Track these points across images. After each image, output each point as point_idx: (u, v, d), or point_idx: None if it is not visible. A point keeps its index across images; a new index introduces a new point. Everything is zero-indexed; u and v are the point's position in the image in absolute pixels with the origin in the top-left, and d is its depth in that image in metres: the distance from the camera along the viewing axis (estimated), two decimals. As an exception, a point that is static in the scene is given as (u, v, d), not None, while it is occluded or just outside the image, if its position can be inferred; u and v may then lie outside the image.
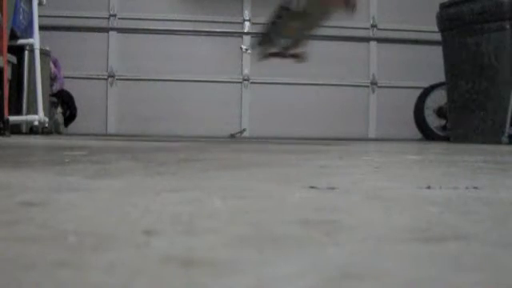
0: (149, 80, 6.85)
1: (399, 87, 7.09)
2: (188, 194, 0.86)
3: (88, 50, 6.73)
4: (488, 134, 4.74)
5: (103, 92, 6.81)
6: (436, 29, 5.34)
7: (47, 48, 5.44)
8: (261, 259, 0.44)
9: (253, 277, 0.39)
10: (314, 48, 6.81)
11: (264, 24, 3.41)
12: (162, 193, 0.85)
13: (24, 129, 5.02)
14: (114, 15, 6.87)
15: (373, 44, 7.22)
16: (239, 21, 7.04)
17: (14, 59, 4.80)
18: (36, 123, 4.83)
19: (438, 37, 5.40)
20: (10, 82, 4.68)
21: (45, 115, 4.88)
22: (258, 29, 3.83)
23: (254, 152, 2.48)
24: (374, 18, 7.22)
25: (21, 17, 4.89)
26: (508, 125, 4.64)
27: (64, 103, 6.04)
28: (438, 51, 5.45)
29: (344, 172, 1.42)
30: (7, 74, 4.50)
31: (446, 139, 5.52)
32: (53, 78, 5.83)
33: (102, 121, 6.78)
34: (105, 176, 1.13)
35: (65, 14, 6.71)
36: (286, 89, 6.99)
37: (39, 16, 5.01)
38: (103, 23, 6.87)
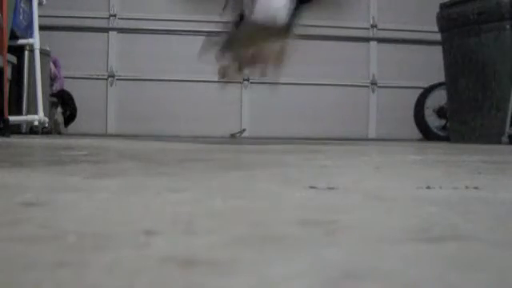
0: (149, 80, 6.84)
1: (399, 87, 7.09)
2: (188, 194, 0.86)
3: (88, 50, 6.73)
4: (488, 134, 4.73)
5: (103, 92, 6.81)
6: (436, 29, 5.33)
7: (47, 48, 5.43)
8: (261, 259, 0.44)
9: (253, 277, 0.39)
10: (314, 48, 6.84)
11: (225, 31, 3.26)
12: (162, 193, 0.85)
13: (24, 129, 5.02)
14: (114, 15, 6.87)
15: (373, 44, 7.22)
16: (239, 21, 7.03)
17: (14, 59, 4.80)
18: (36, 123, 4.82)
19: (437, 37, 5.39)
20: (10, 81, 4.68)
21: (45, 115, 4.88)
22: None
23: (253, 152, 2.48)
24: (373, 18, 7.21)
25: (21, 17, 4.88)
26: (508, 125, 4.64)
27: (64, 103, 6.04)
28: (438, 51, 5.44)
29: (344, 172, 1.42)
30: (7, 74, 4.49)
31: (446, 139, 5.51)
32: (53, 78, 5.82)
33: (101, 121, 6.77)
34: (105, 176, 1.13)
35: (65, 14, 6.71)
36: (286, 89, 6.98)
37: (39, 16, 5.01)
38: (103, 23, 6.87)
